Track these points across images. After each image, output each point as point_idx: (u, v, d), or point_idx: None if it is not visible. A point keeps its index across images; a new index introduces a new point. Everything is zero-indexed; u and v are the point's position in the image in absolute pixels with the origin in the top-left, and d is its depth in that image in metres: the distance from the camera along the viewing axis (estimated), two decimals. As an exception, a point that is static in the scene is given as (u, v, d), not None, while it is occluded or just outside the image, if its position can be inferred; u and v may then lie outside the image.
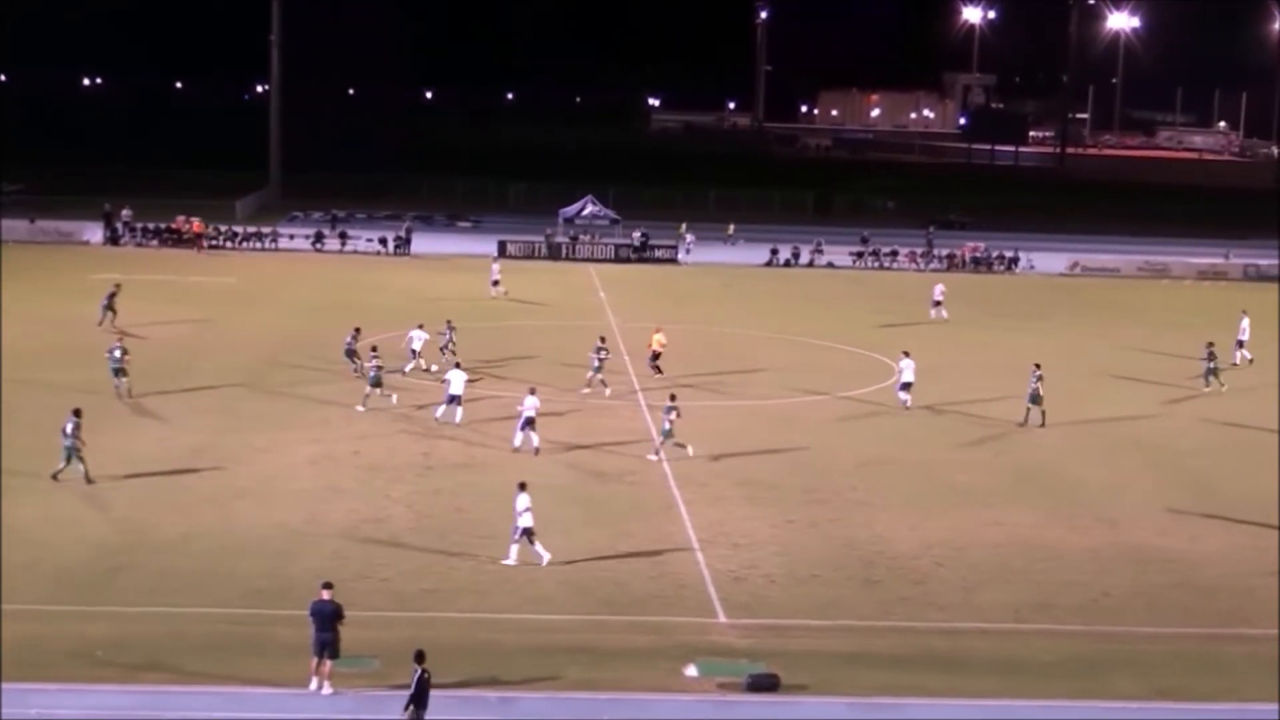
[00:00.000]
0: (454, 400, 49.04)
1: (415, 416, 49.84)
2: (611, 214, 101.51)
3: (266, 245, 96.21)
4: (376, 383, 50.35)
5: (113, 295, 64.71)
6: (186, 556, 35.44)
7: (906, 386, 53.44)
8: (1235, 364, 63.70)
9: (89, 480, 40.54)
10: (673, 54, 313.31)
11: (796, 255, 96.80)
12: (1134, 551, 38.72)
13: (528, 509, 35.55)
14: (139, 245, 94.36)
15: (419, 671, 25.97)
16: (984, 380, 58.32)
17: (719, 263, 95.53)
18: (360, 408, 49.50)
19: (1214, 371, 59.15)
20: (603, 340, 56.62)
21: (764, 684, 28.96)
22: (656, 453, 46.07)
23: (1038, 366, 52.58)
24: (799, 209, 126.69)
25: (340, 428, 48.37)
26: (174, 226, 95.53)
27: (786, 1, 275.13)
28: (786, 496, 42.43)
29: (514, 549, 35.68)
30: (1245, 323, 65.72)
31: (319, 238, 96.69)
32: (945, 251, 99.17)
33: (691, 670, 29.64)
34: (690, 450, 45.73)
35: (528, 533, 35.61)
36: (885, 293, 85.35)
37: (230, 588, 33.50)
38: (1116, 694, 29.68)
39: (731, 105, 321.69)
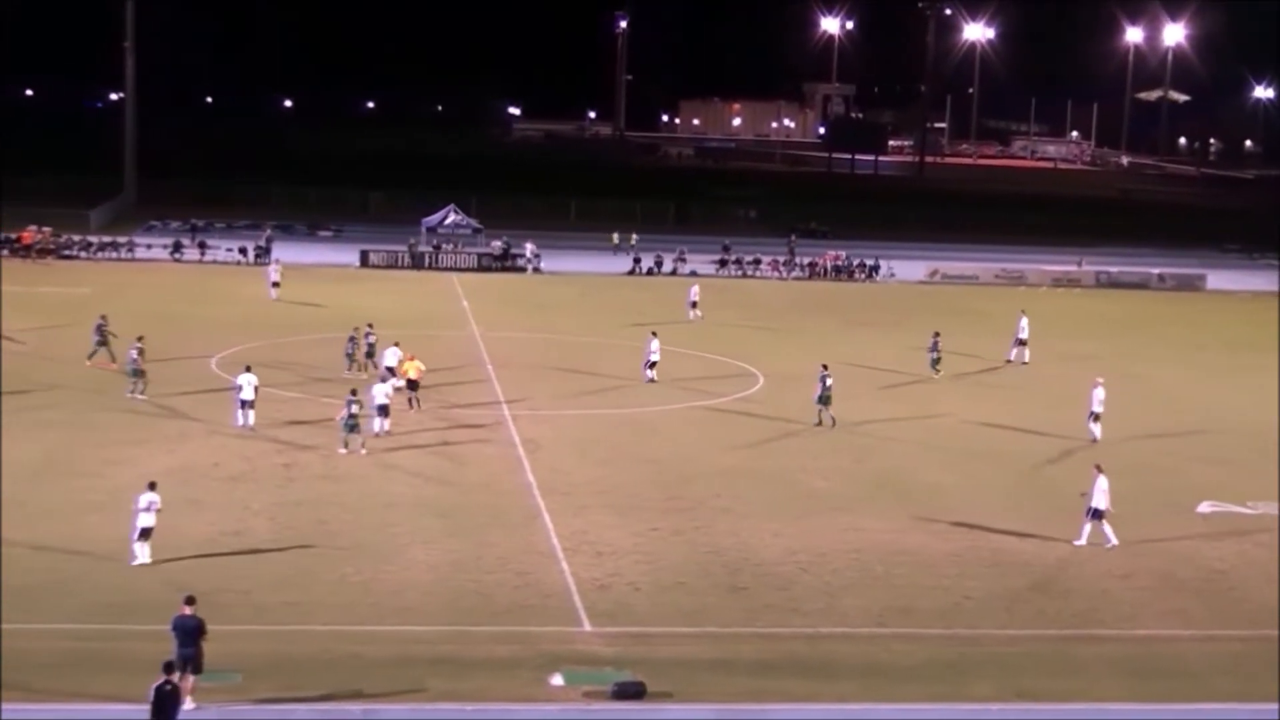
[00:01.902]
0: (247, 405, 49.15)
1: (277, 428, 49.26)
2: (474, 223, 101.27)
3: (123, 255, 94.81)
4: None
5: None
6: (35, 571, 34.68)
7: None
8: (1010, 360, 66.81)
9: None
10: (534, 62, 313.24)
11: (659, 264, 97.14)
12: (992, 555, 39.22)
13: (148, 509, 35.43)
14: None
15: (161, 682, 25.43)
16: (841, 388, 58.75)
17: (580, 271, 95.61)
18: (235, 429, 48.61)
19: (937, 361, 62.29)
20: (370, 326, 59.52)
21: (630, 692, 28.94)
22: (344, 445, 46.51)
23: (825, 367, 53.50)
24: (660, 218, 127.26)
25: (199, 439, 47.70)
26: (20, 238, 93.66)
27: (647, 11, 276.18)
28: (649, 504, 42.49)
29: (136, 547, 35.43)
30: (1024, 322, 68.07)
31: (177, 247, 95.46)
32: (807, 259, 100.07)
33: (557, 679, 29.56)
34: (365, 451, 46.26)
35: (145, 533, 35.39)
36: (746, 300, 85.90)
37: (81, 602, 32.82)
38: (976, 696, 30.03)
39: (593, 114, 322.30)
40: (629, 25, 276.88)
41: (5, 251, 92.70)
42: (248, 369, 50.50)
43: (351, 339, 58.56)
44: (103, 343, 58.59)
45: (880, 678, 30.78)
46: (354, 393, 47.47)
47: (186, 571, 34.72)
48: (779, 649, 32.16)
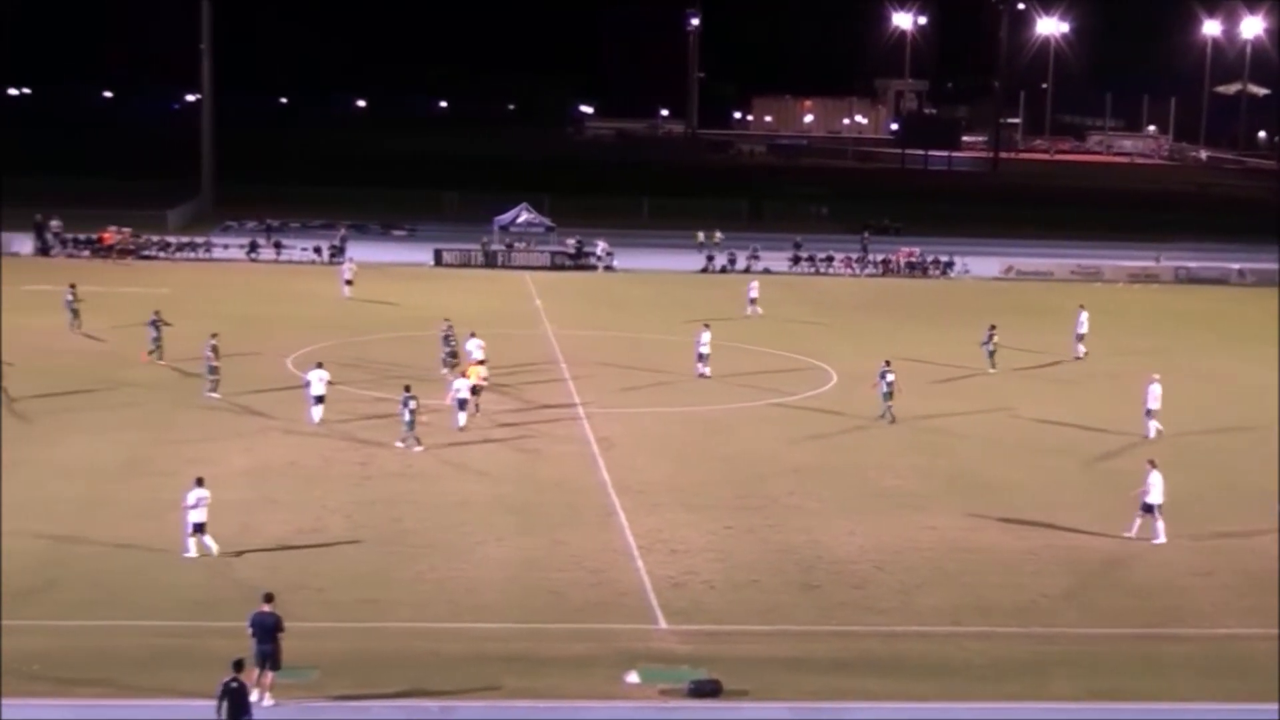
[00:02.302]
0: (318, 400, 49.77)
1: (353, 426, 49.56)
2: (546, 221, 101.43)
3: (200, 255, 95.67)
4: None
5: (73, 296, 65.51)
6: (121, 569, 35.13)
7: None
8: (1078, 358, 66.29)
9: None
10: (606, 61, 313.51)
11: (733, 261, 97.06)
12: (1066, 552, 38.97)
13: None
14: (70, 256, 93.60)
15: (229, 680, 25.60)
16: (915, 385, 58.54)
17: (653, 269, 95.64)
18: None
19: (993, 354, 62.38)
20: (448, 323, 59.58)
21: (705, 690, 28.96)
22: (402, 441, 46.90)
23: (888, 363, 53.43)
24: (733, 216, 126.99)
25: (275, 438, 48.08)
26: (102, 238, 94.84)
27: (719, 9, 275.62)
28: (722, 502, 42.49)
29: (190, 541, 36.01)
30: (1084, 317, 67.43)
31: (253, 247, 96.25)
32: (880, 257, 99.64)
33: (633, 677, 29.61)
34: (400, 445, 46.67)
35: (198, 528, 36.01)
36: (819, 298, 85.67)
37: (165, 600, 33.22)
38: (1054, 695, 29.86)
39: (665, 113, 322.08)
40: (701, 23, 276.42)
41: (87, 252, 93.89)
42: (319, 365, 51.01)
43: (446, 336, 58.73)
44: (157, 338, 59.51)
45: (956, 677, 30.66)
46: (408, 389, 47.79)
47: (264, 569, 35.03)
48: (854, 647, 32.09)
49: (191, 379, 55.29)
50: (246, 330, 65.99)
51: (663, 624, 33.00)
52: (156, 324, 59.74)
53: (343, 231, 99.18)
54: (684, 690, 29.01)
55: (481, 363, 53.98)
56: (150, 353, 59.19)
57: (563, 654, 31.03)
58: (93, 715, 27.30)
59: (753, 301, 77.41)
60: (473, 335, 56.65)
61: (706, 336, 60.03)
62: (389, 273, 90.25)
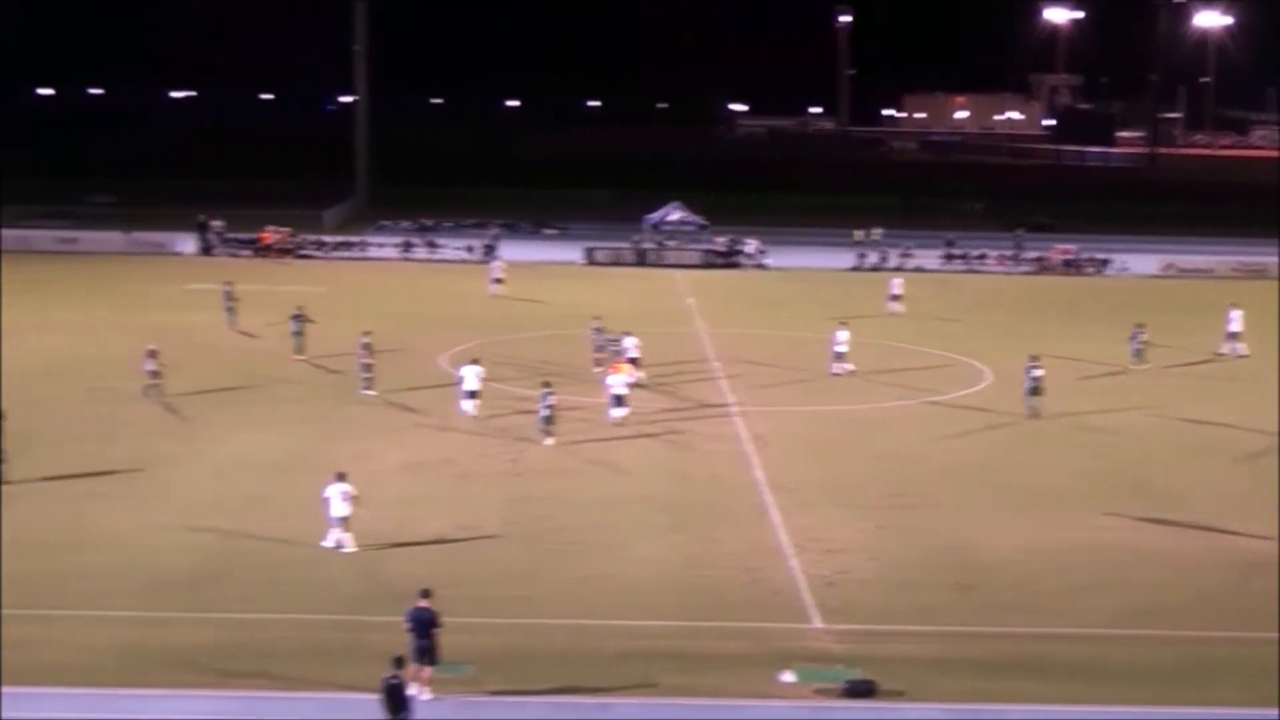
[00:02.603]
0: (472, 395, 50.40)
1: (506, 423, 49.95)
2: (698, 219, 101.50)
3: (355, 254, 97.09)
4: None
5: (229, 294, 67.10)
6: (283, 563, 35.73)
7: None
8: (1223, 354, 65.11)
9: (5, 482, 40.92)
10: (757, 61, 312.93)
11: (884, 259, 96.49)
12: (1230, 554, 38.21)
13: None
14: (231, 255, 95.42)
15: (389, 676, 25.83)
16: (1066, 383, 57.79)
17: (804, 267, 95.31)
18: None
19: (1139, 352, 61.51)
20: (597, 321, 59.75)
21: (861, 690, 28.80)
22: (546, 436, 47.37)
23: (1034, 359, 52.81)
24: (884, 213, 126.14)
25: (431, 435, 48.60)
26: (261, 238, 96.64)
27: (870, 5, 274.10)
28: (876, 501, 42.25)
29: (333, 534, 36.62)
30: (1235, 314, 66.29)
31: (407, 246, 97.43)
32: (1035, 254, 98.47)
33: (788, 676, 29.52)
34: (552, 441, 46.93)
35: (342, 521, 36.54)
36: (972, 296, 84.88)
37: (325, 593, 33.73)
38: (1218, 701, 29.27)
39: (816, 110, 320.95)
40: (852, 19, 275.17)
41: (248, 251, 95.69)
42: (474, 361, 51.55)
43: (599, 330, 59.04)
44: (299, 334, 60.56)
45: (1117, 681, 30.17)
46: (547, 384, 48.06)
47: (420, 564, 35.40)
48: (1011, 649, 31.72)
49: (343, 376, 56.03)
50: (400, 328, 66.82)
51: (817, 623, 32.87)
52: (299, 319, 60.76)
53: (495, 230, 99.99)
54: (839, 690, 28.88)
55: (634, 361, 54.15)
56: (298, 350, 60.31)
57: (718, 652, 31.02)
58: (254, 707, 27.74)
59: (894, 298, 77.01)
60: (627, 334, 56.84)
61: (844, 335, 59.78)
62: (540, 271, 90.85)
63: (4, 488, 40.75)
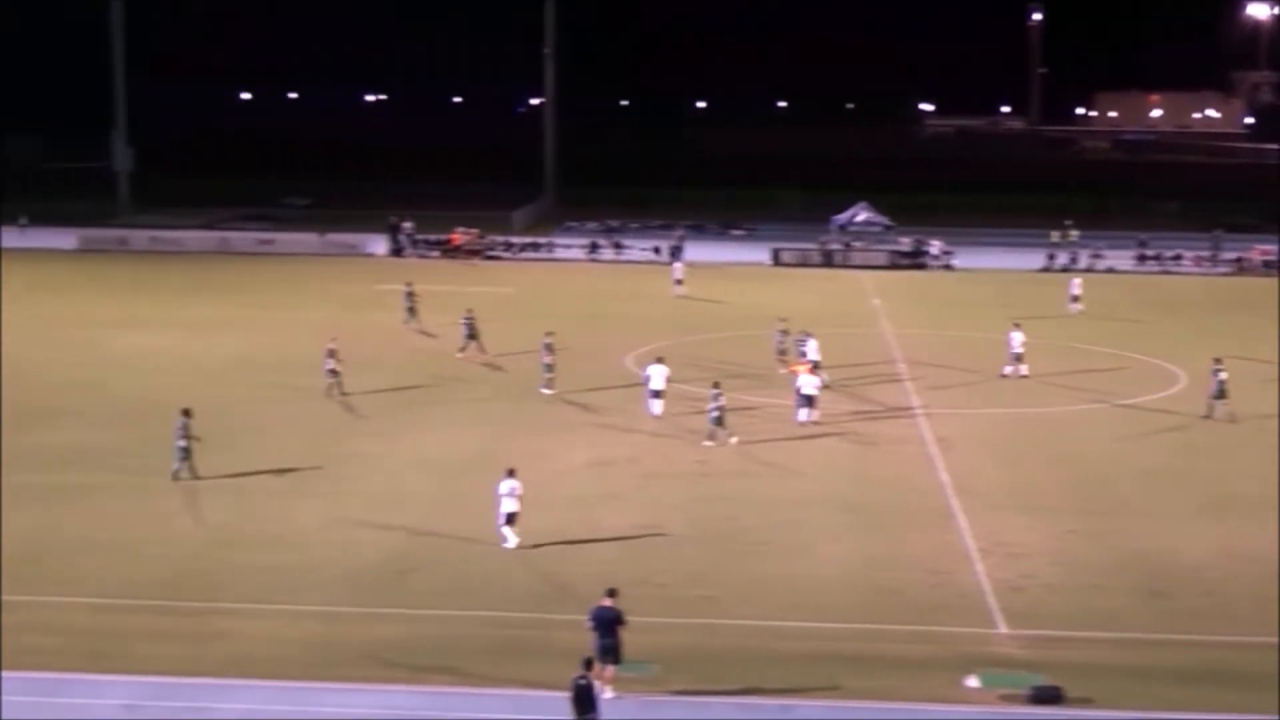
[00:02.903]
0: (658, 394, 50.87)
1: (692, 424, 50.09)
2: (885, 220, 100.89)
3: (542, 255, 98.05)
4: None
5: (411, 294, 68.14)
6: (470, 561, 36.19)
7: None
8: None
9: (196, 476, 42.18)
10: (945, 59, 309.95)
11: (1074, 259, 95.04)
12: None
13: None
14: (421, 256, 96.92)
15: (578, 676, 25.95)
16: (1267, 387, 56.40)
17: (992, 268, 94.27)
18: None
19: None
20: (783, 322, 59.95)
21: (1047, 696, 28.43)
22: (712, 437, 47.24)
23: (1218, 361, 51.71)
24: (1075, 213, 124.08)
25: (615, 434, 48.90)
26: (450, 240, 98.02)
27: (1062, 2, 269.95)
28: (1064, 505, 41.65)
29: (505, 531, 36.95)
30: None
31: (594, 247, 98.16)
32: (1234, 255, 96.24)
33: (973, 681, 29.26)
34: (735, 440, 46.81)
35: (510, 518, 36.86)
36: (1167, 298, 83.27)
37: (511, 591, 34.11)
38: None
39: (1005, 109, 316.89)
40: (1044, 17, 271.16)
41: (437, 253, 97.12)
42: (659, 360, 51.81)
43: (784, 332, 59.03)
44: (472, 336, 61.22)
45: (1314, 691, 29.43)
46: (717, 385, 48.07)
47: (606, 563, 35.66)
48: (1203, 657, 31.07)
49: (524, 375, 56.50)
50: (585, 329, 67.40)
51: (1003, 628, 32.51)
52: (470, 323, 61.69)
53: (679, 232, 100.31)
54: (1025, 696, 28.54)
55: (814, 364, 53.99)
56: (461, 349, 61.25)
57: (902, 655, 30.84)
58: (442, 703, 28.14)
59: (1074, 299, 75.99)
60: (809, 336, 56.64)
61: (1019, 336, 59.01)
62: (726, 272, 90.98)
63: (196, 482, 41.90)
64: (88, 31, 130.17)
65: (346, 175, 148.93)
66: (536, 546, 36.92)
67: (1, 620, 31.27)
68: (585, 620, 28.69)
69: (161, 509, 40.04)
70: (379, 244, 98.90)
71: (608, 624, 28.40)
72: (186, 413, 42.60)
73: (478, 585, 34.46)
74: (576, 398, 54.07)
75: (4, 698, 27.68)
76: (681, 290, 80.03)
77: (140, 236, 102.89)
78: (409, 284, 70.03)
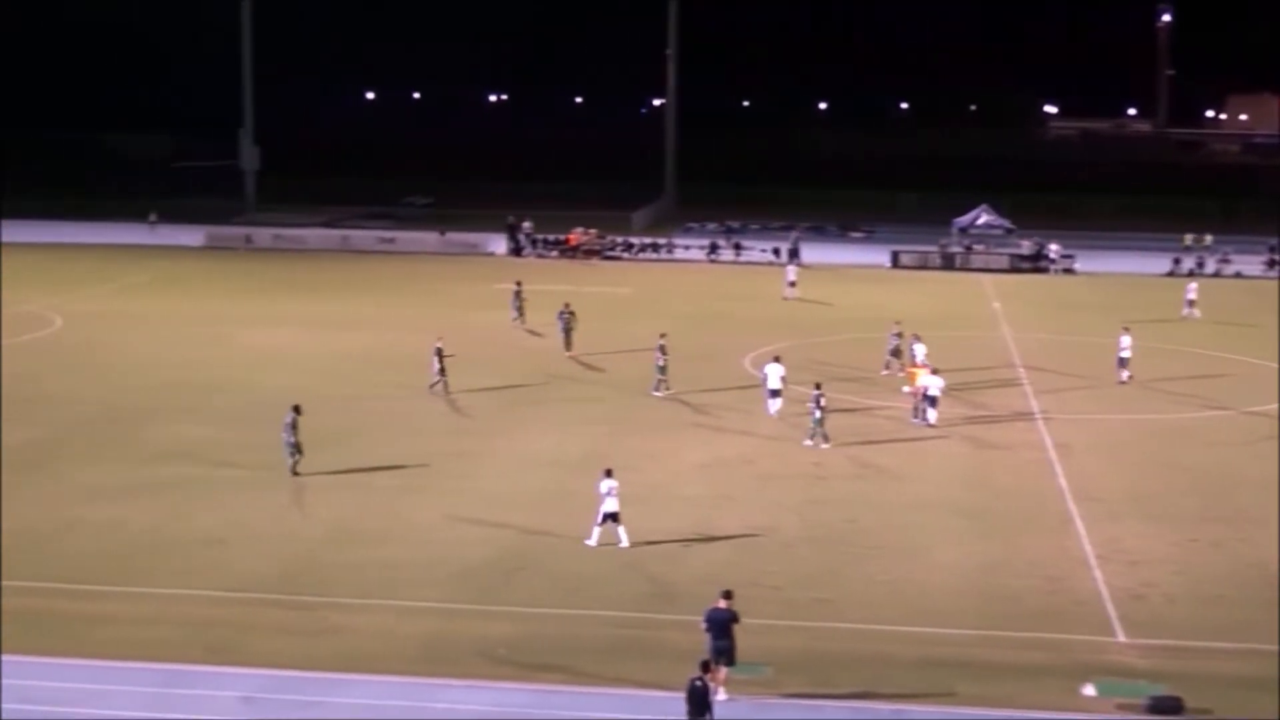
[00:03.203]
0: (775, 394, 50.86)
1: (805, 426, 49.85)
2: (1006, 223, 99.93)
3: (662, 255, 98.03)
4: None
5: (518, 294, 68.27)
6: (581, 560, 36.25)
7: None
8: None
9: (296, 473, 42.55)
10: (1070, 60, 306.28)
11: (1201, 265, 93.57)
12: None
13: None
14: (539, 256, 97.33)
15: (694, 678, 25.75)
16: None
17: (1115, 272, 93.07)
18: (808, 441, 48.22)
19: None
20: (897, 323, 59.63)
21: (1166, 707, 27.96)
22: (811, 438, 47.04)
23: None
24: (1202, 217, 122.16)
25: (731, 436, 48.79)
26: (568, 240, 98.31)
27: (1192, 3, 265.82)
28: (1187, 514, 40.97)
29: (598, 530, 37.07)
30: None
31: (713, 248, 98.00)
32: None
33: (1089, 690, 28.85)
34: (828, 445, 46.55)
35: (610, 517, 36.93)
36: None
37: (624, 591, 34.12)
38: None
39: (1131, 111, 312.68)
40: (1173, 18, 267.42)
41: (555, 252, 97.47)
42: (775, 359, 51.70)
43: (898, 335, 58.66)
44: (567, 330, 61.86)
45: None
46: (818, 386, 47.83)
47: (719, 564, 35.59)
48: (1329, 670, 30.43)
49: (635, 375, 56.42)
50: (703, 329, 67.34)
51: (1121, 636, 32.04)
52: (565, 316, 61.98)
53: (795, 234, 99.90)
54: (1142, 706, 28.09)
55: (935, 371, 53.57)
56: (568, 348, 61.62)
57: (1017, 662, 30.49)
58: (552, 701, 28.20)
59: (1190, 304, 74.98)
60: (917, 339, 56.13)
61: (1127, 340, 58.24)
62: (845, 274, 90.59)
63: (298, 479, 42.36)
64: (218, 31, 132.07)
65: (468, 175, 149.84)
66: (651, 544, 36.96)
67: (117, 612, 31.85)
68: (700, 622, 28.60)
69: (278, 503, 40.55)
70: (499, 243, 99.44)
71: (722, 625, 28.28)
72: (297, 409, 43.04)
73: (590, 584, 34.50)
74: (692, 398, 54.01)
75: (125, 688, 28.12)
76: (793, 293, 79.69)
77: (264, 234, 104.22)
78: (518, 283, 70.31)
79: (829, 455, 46.26)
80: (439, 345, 54.76)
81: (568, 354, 61.07)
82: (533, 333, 66.96)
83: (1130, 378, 57.62)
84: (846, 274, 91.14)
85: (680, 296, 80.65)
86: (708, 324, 70.20)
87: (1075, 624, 32.67)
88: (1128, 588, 34.89)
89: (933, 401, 50.10)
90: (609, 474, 37.46)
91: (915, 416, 50.46)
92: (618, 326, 67.08)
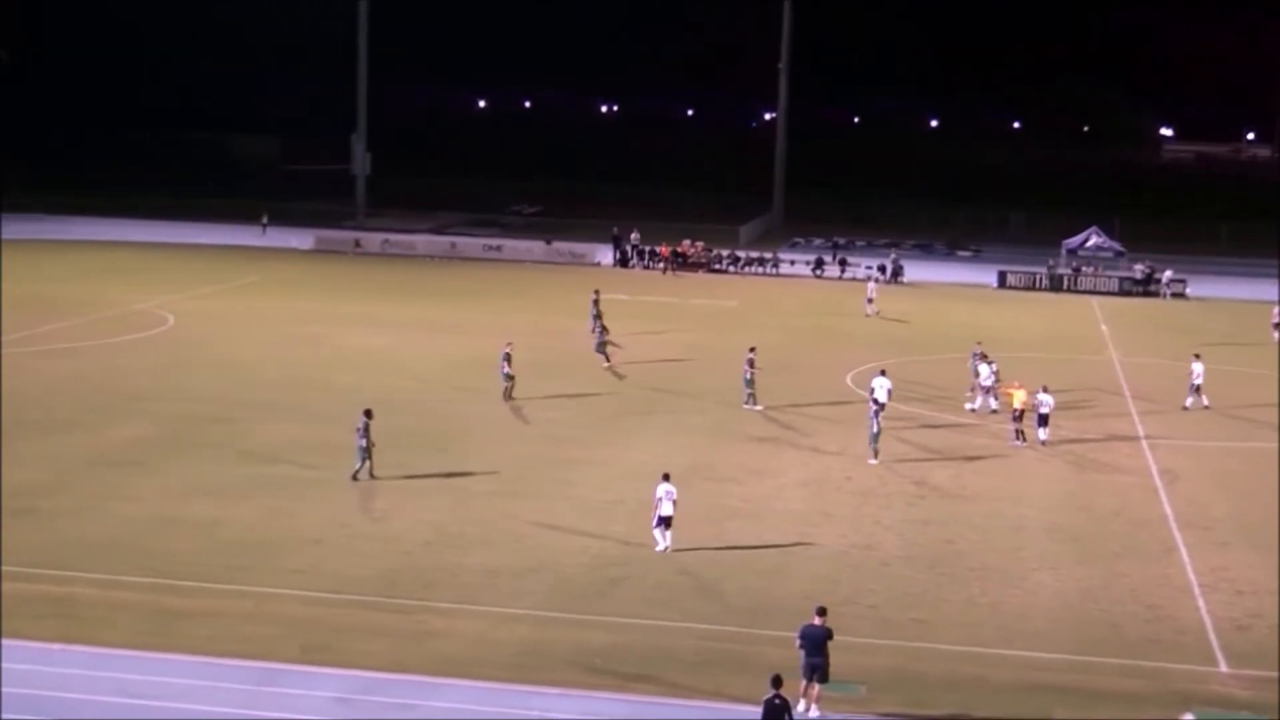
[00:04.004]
0: (879, 406, 50.51)
1: (908, 444, 49.59)
2: (1116, 246, 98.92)
3: (768, 270, 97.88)
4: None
5: (596, 302, 68.47)
6: (680, 572, 36.17)
7: None
8: None
9: (373, 476, 42.67)
10: (1188, 82, 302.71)
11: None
12: None
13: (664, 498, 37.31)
14: (646, 268, 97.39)
15: (771, 696, 25.60)
16: None
17: (1229, 298, 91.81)
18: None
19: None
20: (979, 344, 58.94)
21: (1266, 738, 27.54)
22: (875, 455, 47.02)
23: None
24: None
25: (831, 453, 48.54)
26: (680, 250, 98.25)
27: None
28: (1297, 544, 40.25)
29: (657, 534, 37.43)
30: None
31: (819, 264, 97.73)
32: None
33: (1188, 717, 28.42)
34: (874, 461, 46.73)
35: (665, 521, 37.23)
36: None
37: (720, 605, 34.02)
38: None
39: (1250, 136, 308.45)
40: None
41: (661, 264, 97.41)
42: (882, 372, 51.62)
43: (981, 355, 58.00)
44: (596, 326, 62.62)
45: None
46: (877, 402, 47.40)
47: (817, 581, 35.43)
48: None
49: (757, 393, 56.28)
50: (806, 345, 67.06)
51: (1223, 667, 31.51)
52: (596, 314, 62.95)
53: (894, 253, 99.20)
54: (1243, 736, 27.69)
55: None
56: (593, 331, 63.87)
57: (1116, 689, 30.07)
58: (645, 711, 28.13)
59: (1277, 326, 74.03)
60: (984, 359, 55.49)
61: (1199, 368, 57.44)
62: (951, 293, 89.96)
63: (375, 482, 42.62)
64: (332, 37, 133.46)
65: (577, 185, 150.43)
66: (751, 557, 36.84)
67: (206, 609, 32.22)
68: (794, 638, 28.45)
69: (378, 506, 40.81)
70: (605, 254, 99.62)
71: (816, 643, 28.11)
72: (368, 414, 43.33)
73: (687, 597, 34.44)
74: (793, 413, 53.81)
75: (221, 685, 28.41)
76: (872, 309, 79.07)
77: (373, 239, 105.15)
78: (596, 291, 70.20)
79: (931, 474, 45.92)
80: (508, 350, 55.14)
81: (603, 365, 61.10)
82: (613, 344, 66.54)
83: (1206, 406, 56.78)
84: (952, 293, 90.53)
85: (784, 311, 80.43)
86: (810, 339, 69.94)
87: (1176, 653, 32.19)
88: (1232, 617, 34.33)
89: (1044, 420, 49.72)
90: (666, 478, 37.62)
91: (1016, 439, 50.01)
92: (725, 339, 66.89)
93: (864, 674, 29.66)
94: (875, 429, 47.35)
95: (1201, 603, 35.29)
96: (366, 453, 42.92)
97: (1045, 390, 50.96)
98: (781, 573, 36.29)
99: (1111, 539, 40.23)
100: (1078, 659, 31.59)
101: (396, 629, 31.77)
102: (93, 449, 45.91)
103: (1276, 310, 76.27)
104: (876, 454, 47.18)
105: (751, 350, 55.89)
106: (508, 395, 54.40)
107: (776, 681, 25.81)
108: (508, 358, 54.89)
